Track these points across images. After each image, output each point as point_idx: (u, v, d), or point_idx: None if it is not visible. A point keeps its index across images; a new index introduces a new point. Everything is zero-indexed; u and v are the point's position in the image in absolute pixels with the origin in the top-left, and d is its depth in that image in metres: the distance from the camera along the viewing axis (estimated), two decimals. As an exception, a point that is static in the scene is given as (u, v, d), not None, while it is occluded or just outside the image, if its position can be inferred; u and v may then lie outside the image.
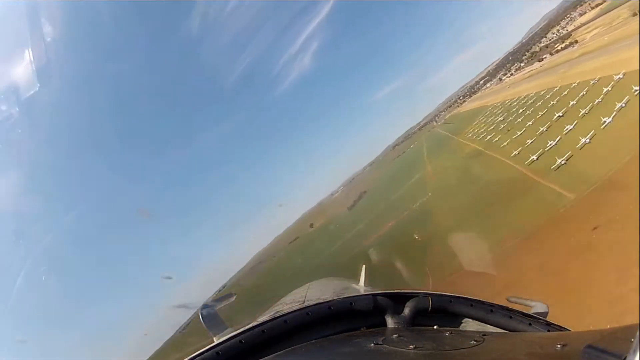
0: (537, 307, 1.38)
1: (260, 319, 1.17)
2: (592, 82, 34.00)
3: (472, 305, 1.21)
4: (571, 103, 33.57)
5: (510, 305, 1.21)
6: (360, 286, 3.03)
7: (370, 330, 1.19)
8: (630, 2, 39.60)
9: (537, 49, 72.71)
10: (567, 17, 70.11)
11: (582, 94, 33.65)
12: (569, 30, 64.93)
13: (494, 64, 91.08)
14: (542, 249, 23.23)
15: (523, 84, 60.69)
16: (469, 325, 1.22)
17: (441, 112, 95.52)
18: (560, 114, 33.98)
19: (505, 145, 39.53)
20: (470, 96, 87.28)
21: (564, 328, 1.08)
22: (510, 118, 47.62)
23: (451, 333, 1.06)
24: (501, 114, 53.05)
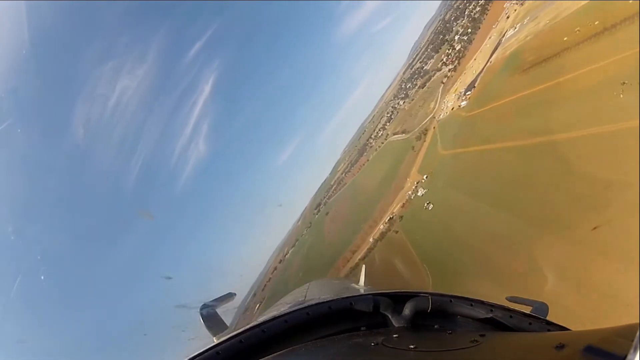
0: (537, 307, 1.38)
1: (260, 319, 1.17)
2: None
3: (472, 305, 1.21)
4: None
5: (510, 305, 1.21)
6: (360, 286, 3.04)
7: (370, 330, 1.19)
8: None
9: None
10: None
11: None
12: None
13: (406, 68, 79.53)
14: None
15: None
16: (469, 325, 1.22)
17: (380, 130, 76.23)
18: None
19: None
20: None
21: (564, 328, 1.08)
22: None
23: (451, 333, 1.07)
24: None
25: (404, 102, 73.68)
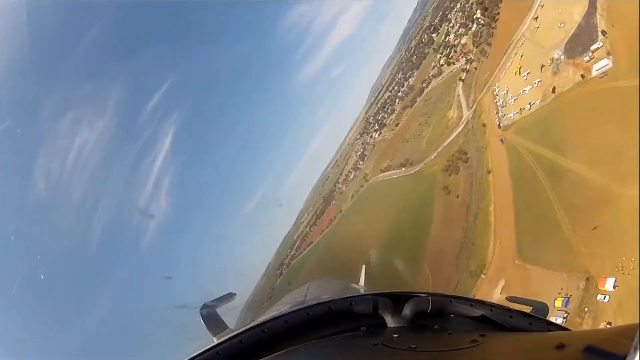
0: (537, 307, 1.38)
1: (260, 319, 1.17)
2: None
3: (472, 305, 1.21)
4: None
5: (510, 305, 1.21)
6: (360, 286, 3.03)
7: (370, 330, 1.19)
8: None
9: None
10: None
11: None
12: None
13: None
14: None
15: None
16: (469, 325, 1.21)
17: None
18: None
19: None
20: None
21: (564, 328, 1.08)
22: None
23: (451, 333, 1.07)
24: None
25: (379, 133, 61.23)
